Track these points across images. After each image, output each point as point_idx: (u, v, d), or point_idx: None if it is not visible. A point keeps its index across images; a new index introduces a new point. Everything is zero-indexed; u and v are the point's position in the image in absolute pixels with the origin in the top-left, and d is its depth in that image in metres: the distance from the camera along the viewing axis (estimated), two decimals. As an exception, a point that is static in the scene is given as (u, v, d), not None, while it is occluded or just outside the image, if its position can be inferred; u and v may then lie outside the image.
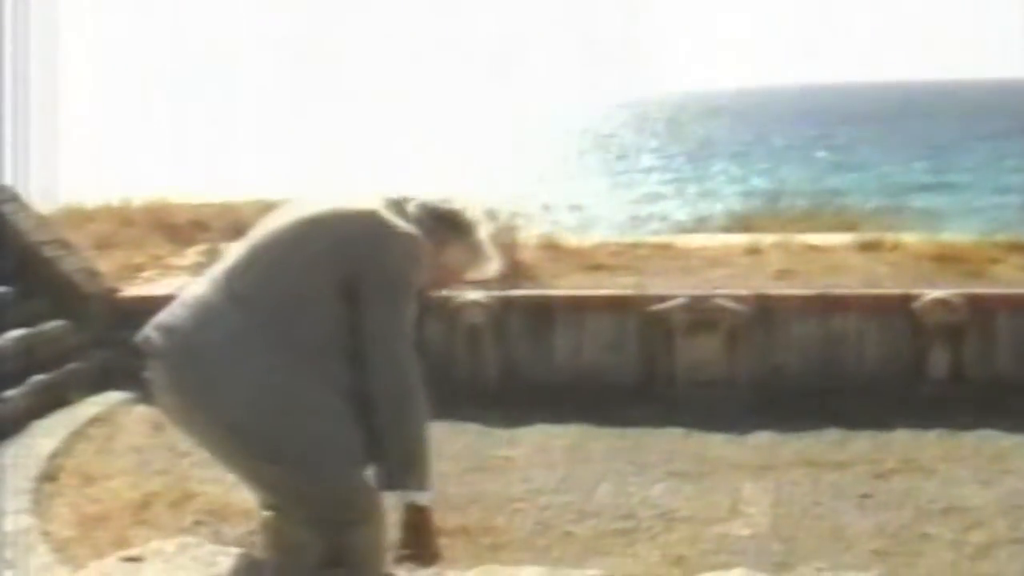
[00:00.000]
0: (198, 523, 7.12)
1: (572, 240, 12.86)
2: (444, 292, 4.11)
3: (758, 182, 27.68)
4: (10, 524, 6.95)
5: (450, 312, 10.09)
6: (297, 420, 3.68)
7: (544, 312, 10.48)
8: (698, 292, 10.27)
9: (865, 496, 7.75)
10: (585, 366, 10.39)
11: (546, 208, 21.08)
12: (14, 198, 10.91)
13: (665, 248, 12.23)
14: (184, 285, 10.82)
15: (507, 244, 11.33)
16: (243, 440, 3.70)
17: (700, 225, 20.60)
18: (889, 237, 11.93)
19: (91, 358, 10.16)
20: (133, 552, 3.60)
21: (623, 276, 11.17)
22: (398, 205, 3.98)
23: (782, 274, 10.89)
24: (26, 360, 9.46)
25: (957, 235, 12.78)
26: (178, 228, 14.70)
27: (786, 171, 29.91)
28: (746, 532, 7.20)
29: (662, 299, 10.22)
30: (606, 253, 12.02)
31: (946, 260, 11.01)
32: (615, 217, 28.10)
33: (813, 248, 11.73)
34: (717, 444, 8.92)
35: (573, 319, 10.49)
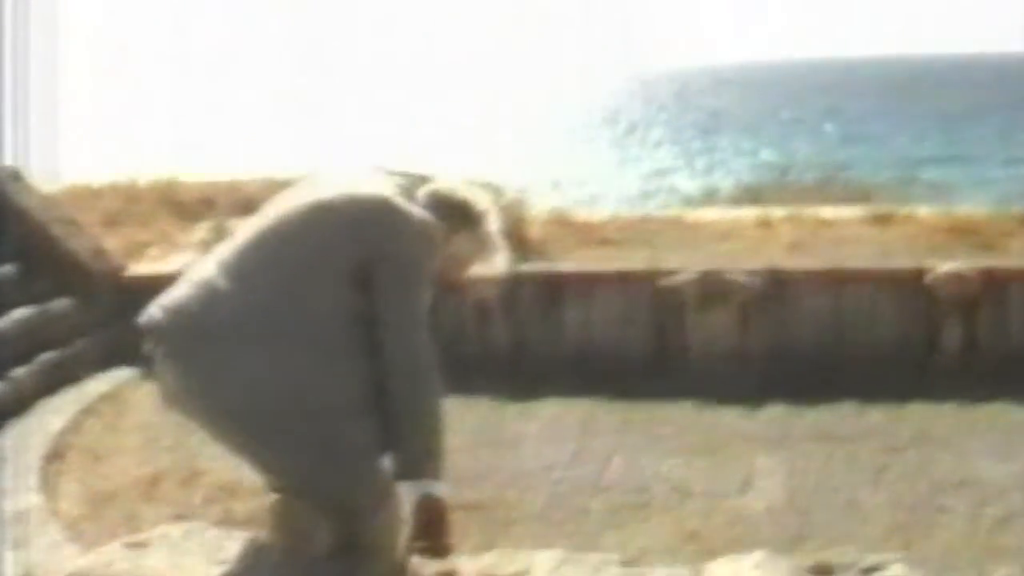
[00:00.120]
0: (208, 500, 7.09)
1: (581, 215, 12.78)
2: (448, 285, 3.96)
3: (767, 155, 27.60)
4: (19, 503, 6.92)
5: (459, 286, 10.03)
6: (308, 410, 3.60)
7: (554, 287, 10.41)
8: (709, 266, 10.18)
9: (880, 469, 7.69)
10: (596, 341, 10.32)
11: (554, 183, 21.02)
12: (18, 177, 10.85)
13: (675, 222, 12.16)
14: (191, 262, 10.83)
15: (516, 219, 11.29)
16: (250, 428, 3.61)
17: (710, 198, 20.52)
18: (901, 210, 11.85)
19: (98, 336, 10.11)
20: (138, 538, 3.52)
21: (633, 251, 11.08)
22: (407, 190, 3.90)
23: (794, 248, 10.81)
24: (33, 339, 9.42)
25: (969, 207, 12.69)
26: (185, 205, 14.65)
27: (795, 144, 29.79)
28: (760, 506, 7.15)
29: (673, 273, 10.14)
30: (616, 228, 11.95)
31: (959, 233, 10.93)
32: (624, 191, 28.01)
33: (824, 221, 11.65)
34: (730, 418, 8.86)
35: (583, 294, 10.41)
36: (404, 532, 3.65)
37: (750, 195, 17.69)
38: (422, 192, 3.95)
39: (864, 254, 10.54)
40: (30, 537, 6.38)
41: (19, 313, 9.48)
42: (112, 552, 3.41)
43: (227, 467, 7.11)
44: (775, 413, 8.90)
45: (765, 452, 8.07)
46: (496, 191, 13.94)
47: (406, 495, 3.62)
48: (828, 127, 39.48)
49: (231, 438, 3.74)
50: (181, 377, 3.64)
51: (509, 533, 6.80)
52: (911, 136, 36.21)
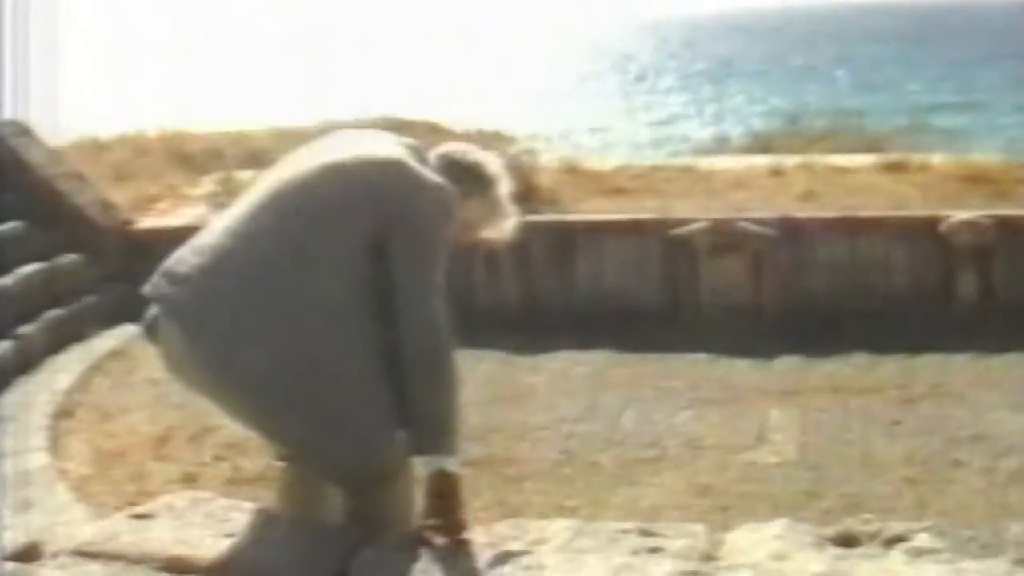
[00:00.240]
0: (217, 458, 7.05)
1: (592, 164, 12.68)
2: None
3: (778, 102, 27.46)
4: (27, 463, 6.89)
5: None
6: (319, 380, 3.48)
7: (565, 237, 10.33)
8: (722, 215, 10.09)
9: (894, 422, 7.62)
10: (607, 291, 10.25)
11: (564, 131, 20.93)
12: (25, 132, 10.79)
13: (687, 171, 12.07)
14: (199, 216, 10.81)
15: (526, 168, 11.22)
16: (259, 398, 3.52)
17: (721, 146, 20.43)
18: (915, 158, 11.76)
19: (107, 292, 10.05)
20: (142, 509, 3.45)
21: (645, 200, 11.01)
22: (419, 153, 3.79)
23: (806, 196, 10.73)
24: (41, 295, 9.38)
25: (981, 154, 12.59)
26: (193, 157, 14.61)
27: (806, 91, 29.65)
28: (773, 460, 7.10)
29: (685, 222, 10.06)
30: (627, 176, 11.87)
31: (973, 181, 10.84)
32: (635, 139, 27.90)
33: (837, 169, 11.55)
34: (742, 370, 8.81)
35: (595, 244, 10.34)
36: (417, 505, 3.57)
37: (761, 143, 17.61)
38: (433, 155, 3.83)
39: (878, 202, 10.45)
40: (37, 499, 6.35)
41: (26, 269, 9.43)
42: (116, 524, 3.34)
43: (236, 424, 7.08)
44: (788, 365, 8.84)
45: (778, 405, 8.01)
46: (506, 139, 13.92)
47: (420, 469, 3.54)
48: (839, 74, 39.32)
49: (239, 408, 3.65)
50: (188, 347, 3.51)
51: (520, 489, 6.76)
52: (922, 83, 36.05)
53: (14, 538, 3.66)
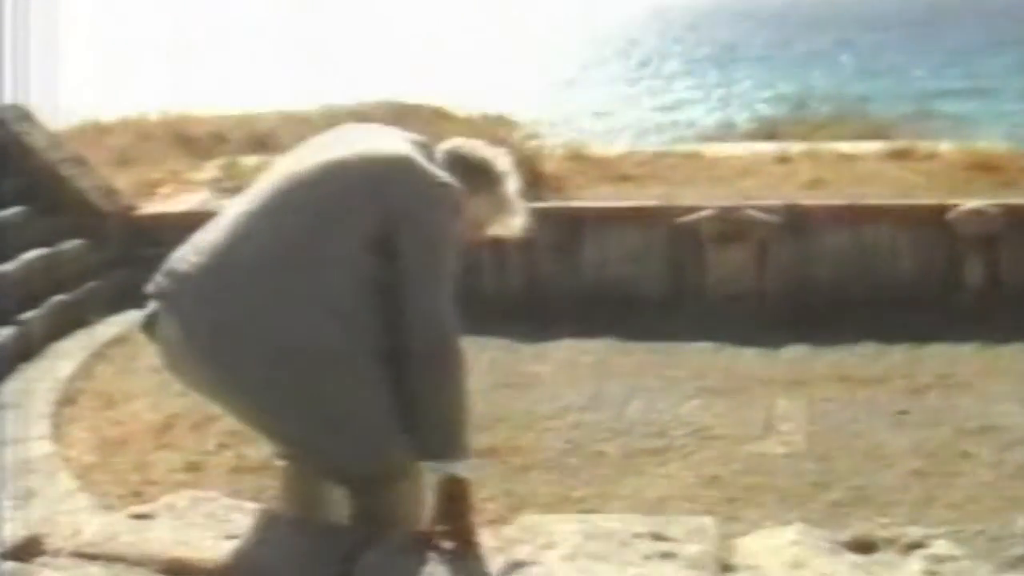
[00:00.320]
0: (221, 446, 7.00)
1: (597, 150, 12.63)
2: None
3: (783, 88, 27.38)
4: (29, 451, 6.86)
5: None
6: (321, 383, 3.42)
7: (570, 224, 10.27)
8: (727, 203, 10.04)
9: (901, 413, 7.57)
10: (612, 279, 10.21)
11: (569, 116, 20.88)
12: (27, 117, 10.75)
13: (693, 157, 12.02)
14: (203, 202, 10.77)
15: (531, 155, 11.18)
16: (260, 401, 3.47)
17: (726, 132, 20.37)
18: (922, 145, 11.70)
19: (109, 277, 10.02)
20: (143, 508, 3.41)
21: (650, 187, 10.96)
22: (426, 148, 3.73)
23: (813, 184, 10.68)
24: (44, 281, 9.34)
25: (987, 141, 12.52)
26: (196, 141, 14.58)
27: (811, 77, 29.58)
28: (780, 451, 7.05)
29: (691, 210, 10.02)
30: (632, 163, 11.82)
31: (980, 169, 10.78)
32: (640, 124, 27.84)
33: (844, 157, 11.50)
34: (749, 358, 8.76)
35: (600, 231, 10.30)
36: (424, 505, 3.53)
37: (766, 129, 17.55)
38: (441, 151, 3.78)
39: (884, 190, 10.40)
40: (40, 488, 6.31)
41: (28, 255, 9.39)
42: (116, 524, 3.30)
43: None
44: (795, 354, 8.80)
45: (785, 395, 7.96)
46: (510, 124, 13.86)
47: (428, 474, 3.49)
48: (844, 59, 39.26)
49: (238, 407, 3.61)
50: (187, 345, 3.46)
51: (526, 479, 6.72)
52: (927, 69, 35.96)
53: (14, 531, 3.62)
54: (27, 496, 6.20)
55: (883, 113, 17.92)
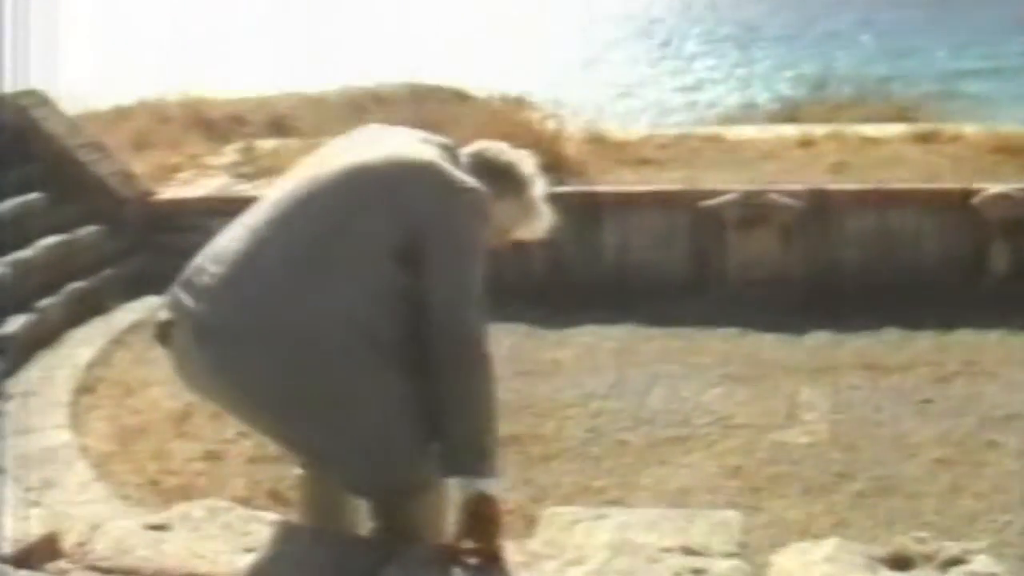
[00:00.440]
0: (240, 435, 6.94)
1: (618, 133, 12.53)
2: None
3: (805, 68, 27.15)
4: (49, 440, 6.83)
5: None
6: (348, 399, 3.33)
7: (591, 209, 10.19)
8: (750, 187, 9.95)
9: (926, 401, 7.51)
10: (634, 264, 10.14)
11: (590, 96, 20.74)
12: (46, 102, 10.70)
13: (715, 140, 11.91)
14: (221, 187, 10.71)
15: (552, 138, 11.10)
16: (279, 416, 3.39)
17: (747, 112, 20.23)
18: (946, 128, 11.57)
19: (128, 264, 9.99)
20: (158, 518, 3.34)
21: (672, 170, 10.87)
22: (451, 152, 3.63)
23: (837, 167, 10.57)
24: (61, 268, 9.30)
25: (1010, 121, 12.41)
26: (215, 124, 14.52)
27: (832, 56, 29.37)
28: (804, 440, 6.99)
29: (713, 194, 9.93)
30: (654, 146, 11.71)
31: (1006, 152, 10.64)
32: (662, 104, 27.71)
33: (868, 140, 11.38)
34: (772, 345, 8.69)
35: (621, 216, 10.23)
36: (448, 519, 3.45)
37: (788, 109, 17.41)
38: (465, 155, 3.69)
39: (909, 174, 10.28)
40: (59, 478, 6.29)
41: (46, 241, 9.35)
42: (130, 535, 3.24)
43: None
44: (818, 340, 8.72)
45: (808, 383, 7.89)
46: (529, 106, 13.76)
47: (455, 490, 3.40)
48: (864, 39, 38.99)
49: (259, 420, 3.52)
50: (206, 359, 3.37)
51: (548, 469, 6.69)
52: (949, 49, 35.67)
53: (28, 530, 3.57)
54: (44, 486, 6.17)
55: (905, 93, 17.76)
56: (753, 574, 3.25)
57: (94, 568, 3.06)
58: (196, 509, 3.38)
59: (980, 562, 3.05)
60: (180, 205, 10.66)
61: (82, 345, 8.58)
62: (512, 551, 3.32)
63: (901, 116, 13.68)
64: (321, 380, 3.28)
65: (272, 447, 6.50)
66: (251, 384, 3.31)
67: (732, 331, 8.94)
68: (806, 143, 11.37)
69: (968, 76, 28.79)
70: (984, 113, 16.16)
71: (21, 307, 8.54)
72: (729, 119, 18.56)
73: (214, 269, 3.36)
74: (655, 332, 8.99)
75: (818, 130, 11.74)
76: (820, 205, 9.84)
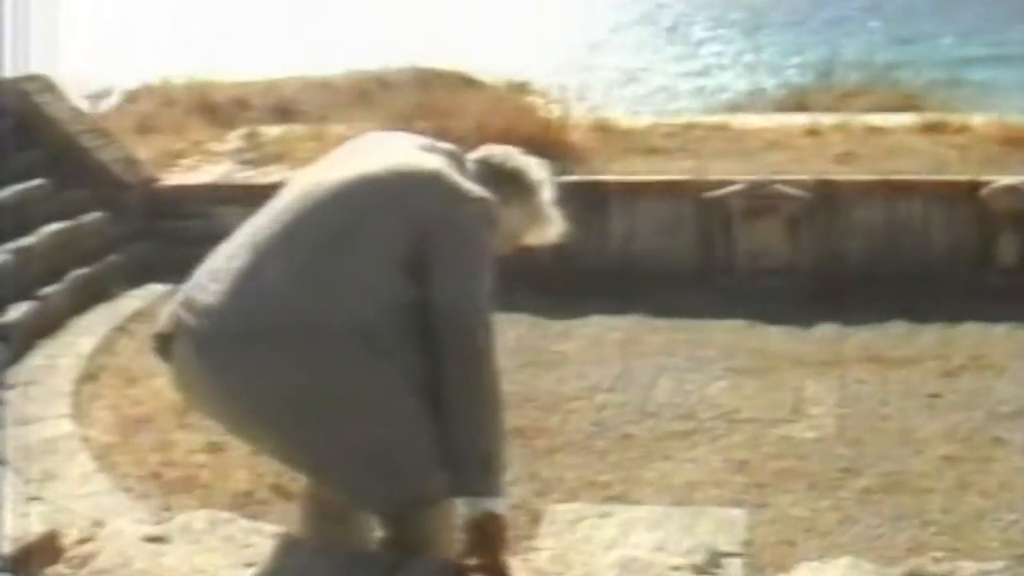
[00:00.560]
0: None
1: (624, 121, 12.47)
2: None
3: (811, 54, 27.07)
4: (51, 430, 6.80)
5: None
6: (357, 419, 3.24)
7: (597, 198, 10.14)
8: (757, 177, 9.90)
9: (934, 396, 7.48)
10: (640, 254, 10.10)
11: (596, 81, 20.68)
12: (50, 87, 10.65)
13: (721, 129, 11.84)
14: (225, 174, 10.67)
15: (557, 126, 11.06)
16: (290, 438, 3.30)
17: (754, 98, 20.16)
18: (953, 118, 11.49)
19: (131, 250, 9.95)
20: (157, 530, 3.29)
21: (679, 160, 10.81)
22: (457, 159, 3.55)
23: (843, 157, 10.51)
24: (65, 254, 9.26)
25: (1017, 111, 12.33)
26: (219, 108, 14.46)
27: (839, 43, 29.26)
28: (810, 435, 6.97)
29: (720, 184, 9.89)
30: (660, 135, 11.65)
31: (1012, 144, 10.57)
32: (668, 90, 27.65)
33: (874, 129, 11.31)
34: (778, 337, 8.65)
35: (627, 205, 10.19)
36: (454, 532, 3.39)
37: (795, 96, 17.33)
38: (472, 160, 3.61)
39: (916, 165, 10.22)
40: (60, 470, 6.25)
41: (49, 228, 9.30)
42: (129, 547, 3.19)
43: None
44: (825, 333, 8.68)
45: (815, 376, 7.86)
46: (534, 91, 13.70)
47: (461, 507, 3.35)
48: (873, 25, 38.89)
49: (264, 440, 3.45)
50: (211, 379, 3.29)
51: (552, 462, 6.66)
52: (957, 35, 35.59)
53: (29, 526, 3.53)
54: (46, 478, 6.14)
55: (912, 81, 17.70)
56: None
57: (92, 582, 3.02)
58: (196, 520, 3.33)
59: (996, 582, 3.01)
60: (184, 192, 10.63)
61: (85, 333, 8.55)
62: (517, 568, 3.28)
63: (908, 104, 13.61)
64: (328, 391, 3.20)
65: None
66: (256, 398, 3.23)
67: (738, 323, 8.91)
68: (813, 132, 11.30)
69: (974, 63, 28.68)
70: (990, 101, 16.07)
71: (24, 295, 8.50)
72: (736, 105, 18.50)
73: (215, 287, 3.27)
74: (660, 323, 8.95)
75: (825, 119, 11.68)
76: (827, 196, 9.80)
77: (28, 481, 5.91)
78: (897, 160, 10.34)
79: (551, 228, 3.74)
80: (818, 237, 9.83)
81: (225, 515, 3.45)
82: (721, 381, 7.82)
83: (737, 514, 5.12)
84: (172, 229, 10.26)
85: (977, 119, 11.50)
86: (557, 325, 9.00)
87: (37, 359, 8.01)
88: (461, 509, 3.32)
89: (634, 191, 10.23)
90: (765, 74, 29.05)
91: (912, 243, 9.76)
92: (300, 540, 3.42)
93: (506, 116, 11.21)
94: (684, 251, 10.06)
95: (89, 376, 7.84)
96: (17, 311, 8.31)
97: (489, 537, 3.24)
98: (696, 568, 3.30)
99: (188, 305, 3.30)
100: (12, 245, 8.76)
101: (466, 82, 16.96)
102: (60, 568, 3.08)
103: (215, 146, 12.09)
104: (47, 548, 3.30)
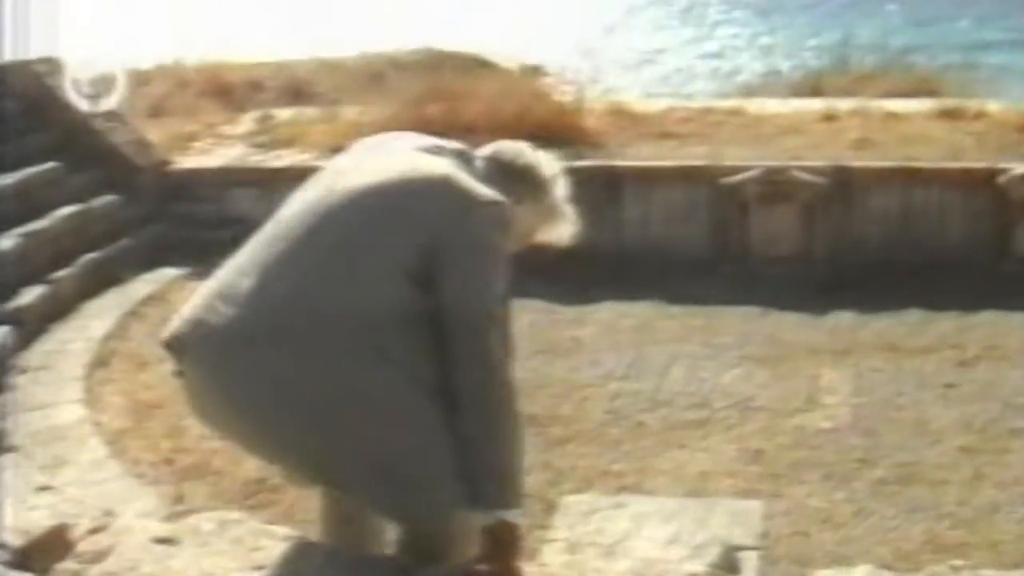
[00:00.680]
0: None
1: (639, 106, 12.41)
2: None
3: (827, 37, 26.98)
4: (62, 416, 6.78)
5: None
6: (375, 436, 3.17)
7: (611, 183, 10.11)
8: (773, 163, 9.84)
9: (949, 386, 7.41)
10: (654, 240, 10.06)
11: (611, 63, 20.63)
12: (61, 70, 10.61)
13: (737, 114, 11.79)
14: (238, 157, 10.63)
15: (572, 110, 11.02)
16: (309, 456, 3.20)
17: (770, 81, 20.09)
18: (971, 104, 11.43)
19: (143, 234, 9.93)
20: (165, 531, 3.25)
21: (693, 145, 10.76)
22: (466, 158, 3.46)
23: (860, 143, 10.45)
24: (76, 238, 9.24)
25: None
26: (232, 89, 14.44)
27: (855, 25, 29.15)
28: (825, 425, 6.91)
29: (735, 170, 9.83)
30: (675, 120, 11.60)
31: (1029, 131, 10.52)
32: (683, 72, 27.59)
33: (891, 115, 11.26)
34: (793, 325, 8.59)
35: (642, 191, 10.15)
36: (468, 541, 3.34)
37: (811, 79, 17.26)
38: (481, 158, 3.52)
39: (933, 152, 10.16)
40: (71, 455, 6.23)
41: (61, 212, 9.28)
42: (137, 550, 3.15)
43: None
44: (840, 321, 8.62)
45: (830, 365, 7.80)
46: (547, 74, 13.67)
47: (475, 517, 3.30)
48: (890, 7, 38.75)
49: (282, 459, 3.39)
50: (219, 397, 3.24)
51: (565, 451, 6.60)
52: (973, 19, 35.50)
53: (39, 517, 3.50)
54: (57, 464, 6.11)
55: (929, 65, 17.62)
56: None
57: (100, 586, 2.99)
58: (206, 522, 3.30)
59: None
60: (196, 175, 10.62)
61: (97, 317, 8.53)
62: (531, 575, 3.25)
63: (923, 88, 13.53)
64: (340, 403, 3.13)
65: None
66: (276, 425, 3.17)
67: (753, 310, 8.85)
68: (829, 118, 11.25)
69: (991, 47, 28.59)
70: (1006, 86, 16.00)
71: (35, 279, 8.47)
72: (751, 88, 18.43)
73: (226, 309, 3.19)
74: (675, 310, 8.91)
75: (841, 105, 11.62)
76: (843, 182, 9.75)
77: (40, 467, 5.88)
78: (914, 147, 10.28)
79: (564, 226, 3.66)
80: (834, 224, 9.78)
81: (235, 516, 3.42)
82: (735, 369, 7.76)
83: (752, 506, 5.07)
84: (184, 212, 10.25)
85: (994, 105, 11.44)
86: (570, 312, 8.96)
87: (48, 344, 7.99)
88: (476, 516, 3.28)
89: (648, 177, 10.19)
90: (781, 56, 28.99)
91: (928, 231, 9.70)
92: (310, 543, 3.38)
93: (520, 100, 11.17)
94: (698, 237, 10.01)
95: (100, 361, 7.81)
96: (28, 295, 8.29)
97: (502, 544, 3.20)
98: (711, 568, 3.25)
99: (197, 325, 3.23)
100: (23, 229, 8.74)
101: (480, 64, 16.92)
102: (69, 564, 3.05)
103: (228, 129, 12.07)
104: (57, 542, 3.27)
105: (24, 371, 7.45)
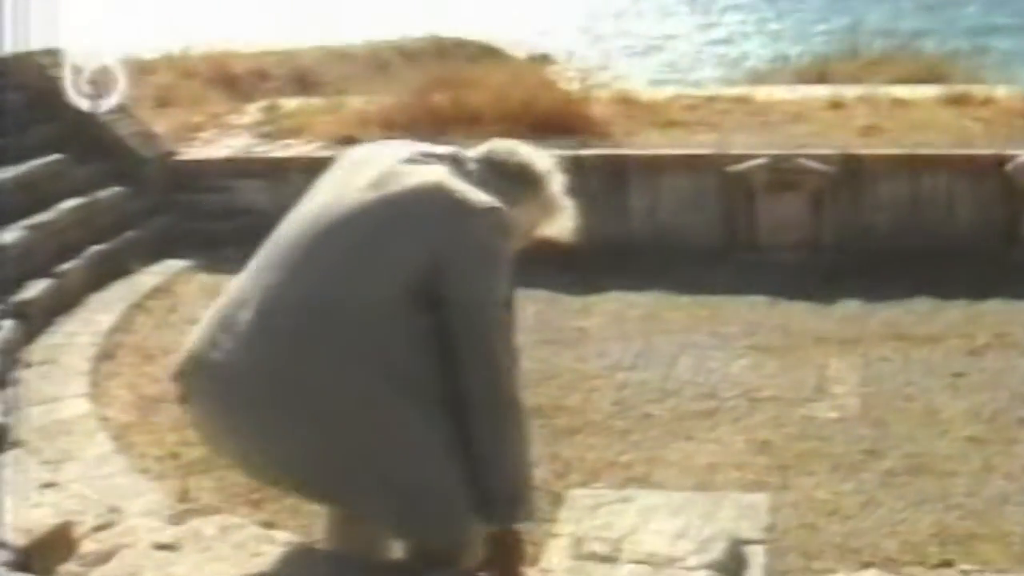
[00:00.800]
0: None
1: (645, 94, 12.38)
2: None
3: (836, 21, 26.96)
4: (68, 410, 6.76)
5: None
6: (384, 457, 3.15)
7: (618, 172, 10.09)
8: (780, 151, 9.80)
9: (958, 375, 7.37)
10: (661, 229, 10.03)
11: (618, 49, 20.64)
12: (64, 62, 10.58)
13: (744, 101, 11.76)
14: (244, 148, 10.60)
15: (579, 98, 11.00)
16: (320, 482, 3.20)
17: (778, 67, 20.06)
18: (978, 90, 11.39)
19: (149, 225, 9.90)
20: (167, 537, 3.24)
21: (700, 133, 10.74)
22: (459, 163, 3.43)
23: (867, 130, 10.42)
24: (81, 230, 9.22)
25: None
26: (238, 79, 14.42)
27: (864, 9, 29.09)
28: (833, 415, 6.87)
29: (742, 158, 9.80)
30: (682, 107, 11.58)
31: (1040, 117, 10.47)
32: (692, 58, 27.56)
33: (899, 102, 11.22)
34: (801, 314, 8.56)
35: (649, 179, 10.11)
36: (475, 550, 3.31)
37: (818, 65, 17.24)
38: (475, 160, 3.49)
39: (940, 138, 10.13)
40: (77, 450, 6.21)
41: (66, 204, 9.26)
42: (139, 556, 3.14)
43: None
44: (848, 309, 8.58)
45: (838, 354, 7.77)
46: (555, 62, 13.65)
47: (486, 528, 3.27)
48: (897, -8, 38.77)
49: (294, 486, 3.37)
50: (228, 428, 3.24)
51: (572, 442, 6.57)
52: (982, 4, 35.44)
53: (41, 518, 3.49)
54: (63, 459, 6.10)
55: (936, 50, 17.59)
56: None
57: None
58: (207, 526, 3.28)
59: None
60: (202, 166, 10.59)
61: (103, 310, 8.50)
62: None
63: (931, 74, 13.51)
64: (358, 441, 3.11)
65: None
66: (285, 453, 3.15)
67: (760, 299, 8.81)
68: (837, 105, 11.22)
69: (999, 32, 28.54)
70: (1015, 71, 15.96)
71: (40, 271, 8.45)
72: (759, 74, 18.40)
73: (228, 344, 3.17)
74: (682, 300, 8.87)
75: (849, 91, 11.59)
76: (851, 170, 9.71)
77: (45, 462, 5.87)
78: (922, 134, 10.25)
79: (564, 219, 3.64)
80: (842, 212, 9.75)
81: (236, 520, 3.40)
82: (743, 359, 7.73)
83: (760, 499, 5.04)
84: (190, 204, 10.23)
85: (1001, 91, 11.40)
86: (577, 301, 8.92)
87: (54, 337, 7.97)
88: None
89: (655, 165, 10.16)
90: (789, 42, 28.95)
91: (937, 218, 9.66)
92: (312, 551, 3.37)
93: (526, 89, 11.15)
94: (706, 226, 9.97)
95: (106, 354, 7.79)
96: (34, 288, 8.26)
97: (508, 551, 3.20)
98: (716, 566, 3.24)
99: (196, 360, 3.24)
100: (29, 221, 8.71)
101: (487, 53, 16.92)
102: (72, 567, 3.04)
103: (234, 119, 12.06)
104: (59, 542, 3.26)
105: (29, 365, 7.42)
